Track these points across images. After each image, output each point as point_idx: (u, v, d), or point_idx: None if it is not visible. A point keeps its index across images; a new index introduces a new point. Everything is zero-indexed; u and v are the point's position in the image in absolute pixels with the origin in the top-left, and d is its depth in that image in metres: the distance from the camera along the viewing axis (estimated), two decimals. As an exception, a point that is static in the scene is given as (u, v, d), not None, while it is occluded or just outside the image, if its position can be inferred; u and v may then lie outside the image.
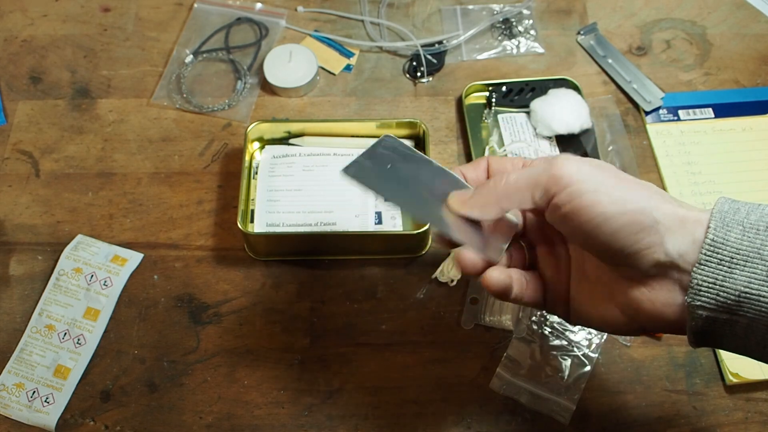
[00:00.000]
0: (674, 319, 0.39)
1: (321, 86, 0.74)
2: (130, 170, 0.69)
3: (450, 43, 0.76)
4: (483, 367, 0.59)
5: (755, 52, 0.77)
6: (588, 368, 0.58)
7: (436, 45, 0.76)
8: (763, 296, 0.35)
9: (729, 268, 0.36)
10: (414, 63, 0.75)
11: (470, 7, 0.80)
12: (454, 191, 0.44)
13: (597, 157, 0.67)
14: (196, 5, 0.79)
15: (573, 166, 0.39)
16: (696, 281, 0.37)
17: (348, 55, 0.76)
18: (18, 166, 0.69)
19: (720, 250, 0.36)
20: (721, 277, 0.36)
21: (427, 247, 0.64)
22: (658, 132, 0.71)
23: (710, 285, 0.37)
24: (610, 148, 0.69)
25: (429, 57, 0.75)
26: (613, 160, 0.68)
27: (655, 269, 0.38)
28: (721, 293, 0.36)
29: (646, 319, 0.40)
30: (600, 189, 0.38)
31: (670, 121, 0.72)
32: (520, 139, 0.69)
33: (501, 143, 0.69)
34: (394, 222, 0.64)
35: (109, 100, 0.73)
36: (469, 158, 0.69)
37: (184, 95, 0.73)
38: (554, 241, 0.45)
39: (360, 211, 0.64)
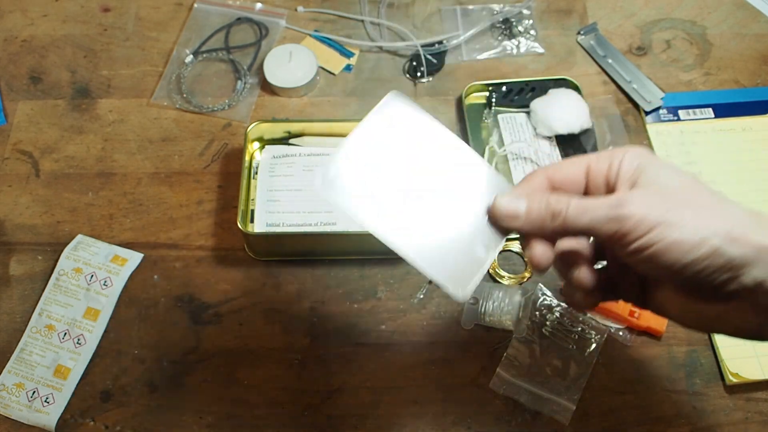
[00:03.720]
0: (753, 334, 0.38)
1: (321, 86, 0.74)
2: (130, 170, 0.69)
3: (450, 43, 0.76)
4: (483, 367, 0.59)
5: (755, 52, 0.77)
6: (588, 368, 0.58)
7: (436, 45, 0.76)
8: None
9: None
10: (414, 63, 0.75)
11: (470, 7, 0.80)
12: (501, 199, 0.41)
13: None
14: (196, 5, 0.79)
15: (642, 208, 0.37)
16: None
17: (348, 55, 0.76)
18: (18, 166, 0.69)
19: None
20: None
21: (427, 247, 0.64)
22: (658, 132, 0.71)
23: None
24: (610, 148, 0.69)
25: (429, 57, 0.75)
26: (613, 160, 0.68)
27: (733, 296, 0.38)
28: None
29: (722, 331, 0.40)
30: (676, 228, 0.37)
31: (670, 121, 0.72)
32: (520, 139, 0.69)
33: (501, 143, 0.69)
34: (394, 222, 0.64)
35: (109, 100, 0.73)
36: (469, 158, 0.69)
37: (184, 95, 0.73)
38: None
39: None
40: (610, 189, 0.41)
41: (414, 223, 0.40)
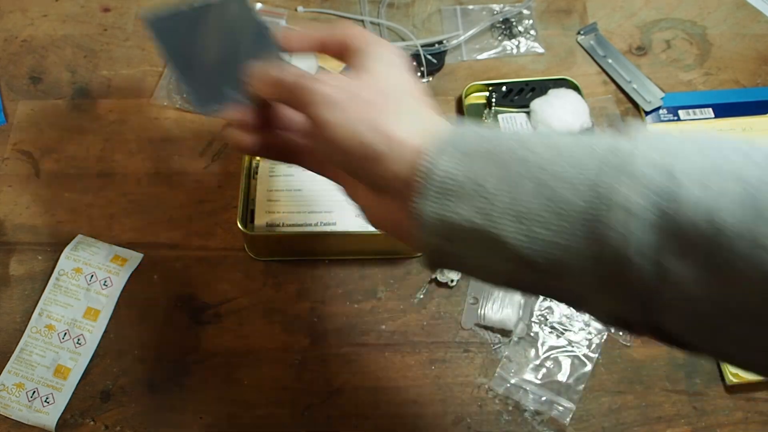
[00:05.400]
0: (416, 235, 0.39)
1: (321, 86, 0.74)
2: (130, 170, 0.69)
3: (450, 43, 0.76)
4: (483, 367, 0.59)
5: (755, 52, 0.77)
6: (588, 368, 0.58)
7: (436, 45, 0.76)
8: (477, 226, 0.34)
9: (443, 197, 0.35)
10: (414, 63, 0.75)
11: (470, 7, 0.80)
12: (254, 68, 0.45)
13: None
14: (196, 5, 0.79)
15: (329, 87, 0.40)
16: (416, 211, 0.36)
17: (348, 55, 0.76)
18: (18, 166, 0.69)
19: (433, 179, 0.35)
20: (438, 206, 0.35)
21: (427, 247, 0.64)
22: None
23: (429, 215, 0.35)
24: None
25: (429, 57, 0.75)
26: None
27: (387, 189, 0.39)
28: (439, 223, 0.35)
29: (395, 233, 0.42)
30: (343, 111, 0.39)
31: (670, 121, 0.72)
32: (520, 139, 0.69)
33: (501, 143, 0.69)
34: (394, 222, 0.64)
35: (109, 100, 0.73)
36: (469, 158, 0.69)
37: (185, 95, 0.73)
38: None
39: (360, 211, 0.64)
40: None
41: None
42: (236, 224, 0.62)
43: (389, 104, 0.39)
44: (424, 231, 0.36)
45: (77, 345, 0.59)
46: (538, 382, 0.58)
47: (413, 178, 0.36)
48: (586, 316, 0.61)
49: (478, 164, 0.34)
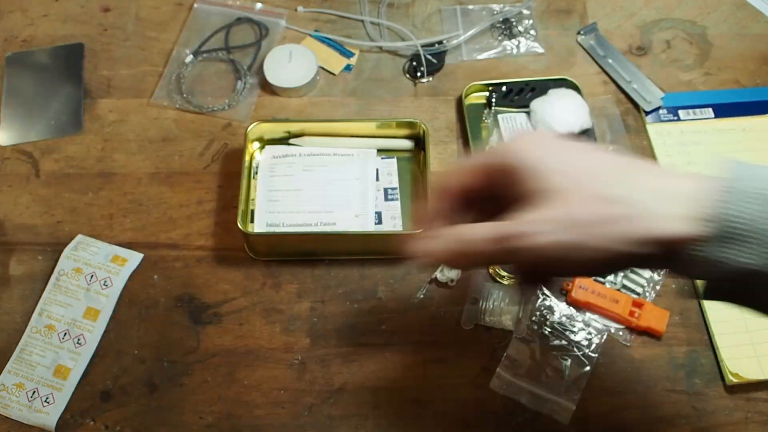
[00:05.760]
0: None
1: (321, 86, 0.74)
2: (130, 170, 0.69)
3: (450, 43, 0.76)
4: (483, 367, 0.59)
5: (755, 52, 0.77)
6: (588, 368, 0.58)
7: (436, 45, 0.76)
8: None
9: (726, 242, 0.34)
10: (414, 63, 0.75)
11: (470, 7, 0.80)
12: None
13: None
14: (196, 5, 0.79)
15: (536, 230, 0.36)
16: (694, 258, 0.35)
17: (348, 55, 0.76)
18: (18, 166, 0.69)
19: (720, 225, 0.34)
20: (721, 252, 0.34)
21: (427, 247, 0.64)
22: (658, 132, 0.71)
23: (711, 260, 0.34)
24: (610, 148, 0.69)
25: (429, 57, 0.75)
26: (613, 160, 0.69)
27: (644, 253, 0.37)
28: (721, 267, 0.34)
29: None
30: (572, 249, 0.36)
31: (670, 121, 0.72)
32: (520, 139, 0.69)
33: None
34: (394, 222, 0.64)
35: (109, 100, 0.73)
36: (469, 158, 0.69)
37: (184, 95, 0.73)
38: None
39: (360, 211, 0.64)
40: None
41: None
42: (236, 224, 0.62)
43: (602, 202, 0.36)
44: (704, 275, 0.35)
45: (77, 345, 0.59)
46: (538, 382, 0.58)
47: (690, 231, 0.34)
48: (587, 316, 0.61)
49: (760, 207, 0.34)
